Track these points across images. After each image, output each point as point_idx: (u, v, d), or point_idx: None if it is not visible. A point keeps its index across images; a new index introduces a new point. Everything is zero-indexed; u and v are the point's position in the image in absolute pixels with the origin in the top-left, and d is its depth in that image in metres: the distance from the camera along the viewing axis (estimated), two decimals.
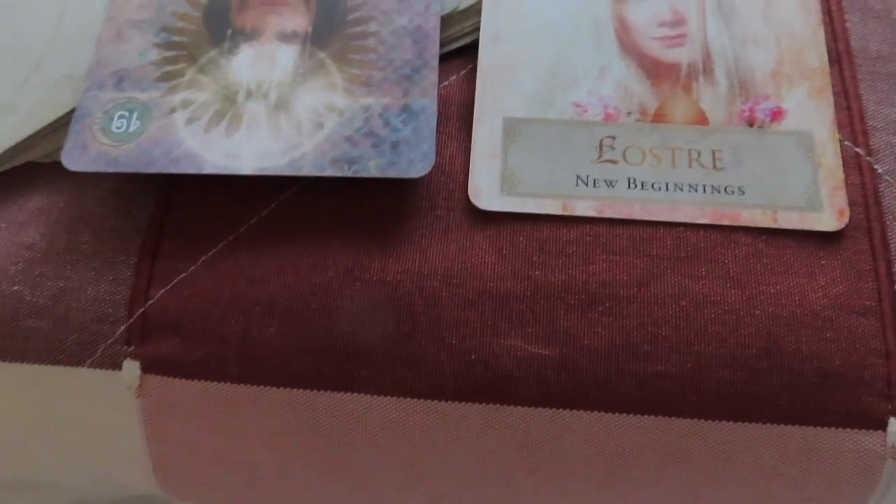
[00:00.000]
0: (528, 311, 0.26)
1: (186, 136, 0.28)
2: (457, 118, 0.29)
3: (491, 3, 0.31)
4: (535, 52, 0.30)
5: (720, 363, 0.25)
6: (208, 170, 0.27)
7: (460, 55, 0.31)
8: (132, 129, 0.29)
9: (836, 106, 0.29)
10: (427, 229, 0.27)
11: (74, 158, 0.28)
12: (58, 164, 0.29)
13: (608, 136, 0.28)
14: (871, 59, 0.30)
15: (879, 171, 0.28)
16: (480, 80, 0.30)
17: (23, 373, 0.27)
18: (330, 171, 0.27)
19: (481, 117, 0.29)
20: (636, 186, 0.28)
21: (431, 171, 0.27)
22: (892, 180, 0.28)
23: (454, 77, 0.30)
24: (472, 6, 0.31)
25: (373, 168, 0.27)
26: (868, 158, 0.28)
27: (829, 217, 0.27)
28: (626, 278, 0.26)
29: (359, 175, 0.27)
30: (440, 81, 0.30)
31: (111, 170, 0.28)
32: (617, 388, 0.26)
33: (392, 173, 0.27)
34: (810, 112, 0.29)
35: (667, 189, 0.27)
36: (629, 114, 0.29)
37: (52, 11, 0.32)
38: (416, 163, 0.27)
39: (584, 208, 0.27)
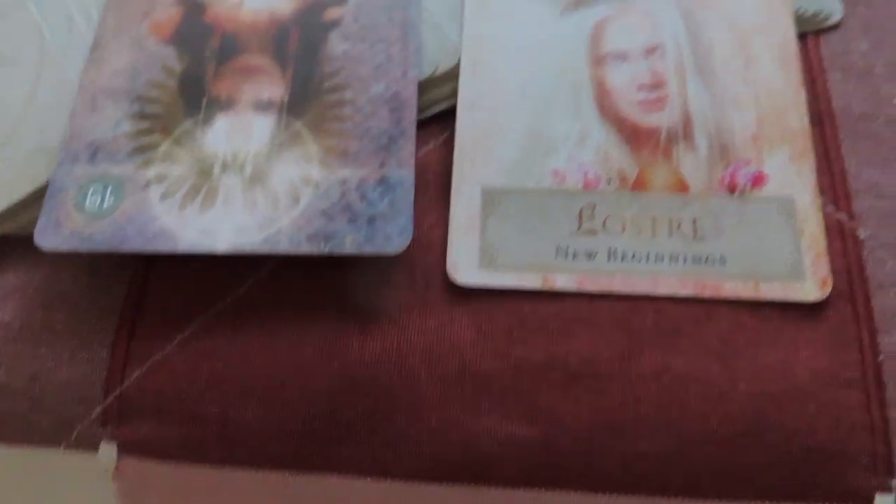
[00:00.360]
0: (509, 390, 0.26)
1: (161, 212, 0.28)
2: (434, 187, 0.29)
3: (469, 68, 0.31)
4: (514, 118, 0.30)
5: (704, 440, 0.25)
6: (183, 248, 0.27)
7: (438, 121, 0.31)
8: (106, 205, 0.28)
9: (818, 169, 0.29)
10: (405, 305, 0.27)
11: (48, 237, 0.28)
12: (32, 238, 0.28)
13: (588, 205, 0.28)
14: (853, 118, 0.30)
15: (862, 237, 0.28)
16: (458, 148, 0.29)
17: None
18: (306, 248, 0.27)
19: (459, 187, 0.29)
20: (616, 258, 0.27)
21: (409, 245, 0.27)
22: (875, 246, 0.28)
23: (431, 144, 0.30)
24: (449, 70, 0.31)
25: (349, 244, 0.27)
26: (851, 224, 0.28)
27: (811, 287, 0.27)
28: (607, 355, 0.26)
29: (335, 252, 0.27)
30: (418, 149, 0.30)
31: (85, 249, 0.27)
32: (599, 468, 0.25)
33: (369, 249, 0.27)
34: (792, 177, 0.28)
35: (647, 260, 0.27)
36: (609, 181, 0.29)
37: (26, 81, 0.32)
38: (394, 238, 0.27)
39: (564, 282, 0.27)
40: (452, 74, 0.31)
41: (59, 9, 0.33)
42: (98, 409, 0.27)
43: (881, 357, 0.26)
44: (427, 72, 0.31)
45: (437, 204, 0.29)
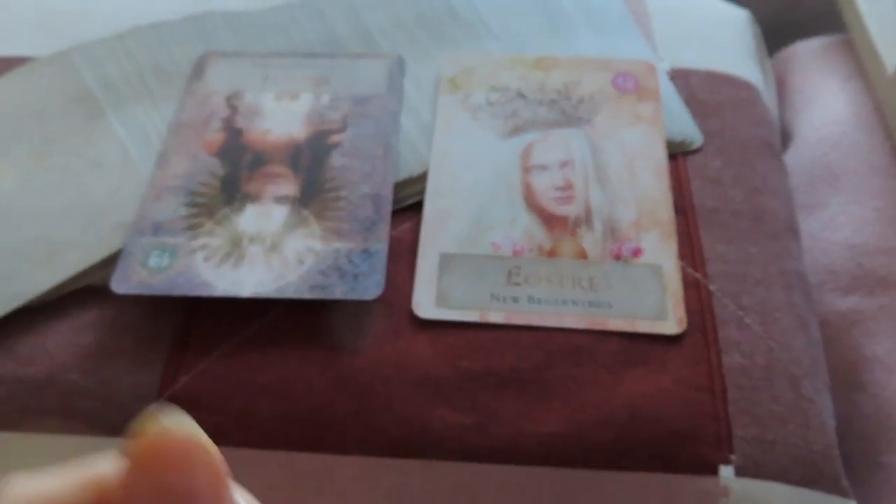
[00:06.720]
0: (457, 390, 0.35)
1: (203, 270, 0.39)
2: (407, 253, 0.40)
3: (436, 170, 0.43)
4: (466, 207, 0.41)
5: (596, 425, 0.35)
6: (218, 293, 0.38)
7: (412, 209, 0.42)
8: (164, 264, 0.39)
9: (682, 244, 0.40)
10: (382, 332, 0.37)
11: (121, 285, 0.38)
12: (108, 287, 0.38)
13: (515, 267, 0.39)
14: (706, 211, 0.42)
15: (712, 289, 0.39)
16: (424, 226, 0.41)
17: (72, 444, 0.36)
18: (307, 295, 0.37)
19: (423, 253, 0.40)
20: (535, 302, 0.38)
21: (385, 291, 0.37)
22: (720, 295, 0.38)
23: (408, 223, 0.41)
24: (419, 175, 0.43)
25: (339, 293, 0.37)
26: (704, 281, 0.39)
27: (672, 324, 0.37)
28: (527, 366, 0.36)
29: (329, 298, 0.37)
30: (396, 227, 0.41)
31: (147, 293, 0.38)
32: (521, 447, 0.34)
33: (353, 296, 0.37)
34: (661, 251, 0.40)
35: (556, 304, 0.38)
36: (531, 251, 0.40)
37: (112, 180, 0.43)
38: (371, 289, 0.37)
39: (495, 317, 0.37)
40: (421, 177, 0.43)
41: (141, 131, 0.45)
42: (153, 406, 0.36)
43: (724, 369, 0.36)
44: (403, 176, 0.43)
45: (407, 264, 0.40)
